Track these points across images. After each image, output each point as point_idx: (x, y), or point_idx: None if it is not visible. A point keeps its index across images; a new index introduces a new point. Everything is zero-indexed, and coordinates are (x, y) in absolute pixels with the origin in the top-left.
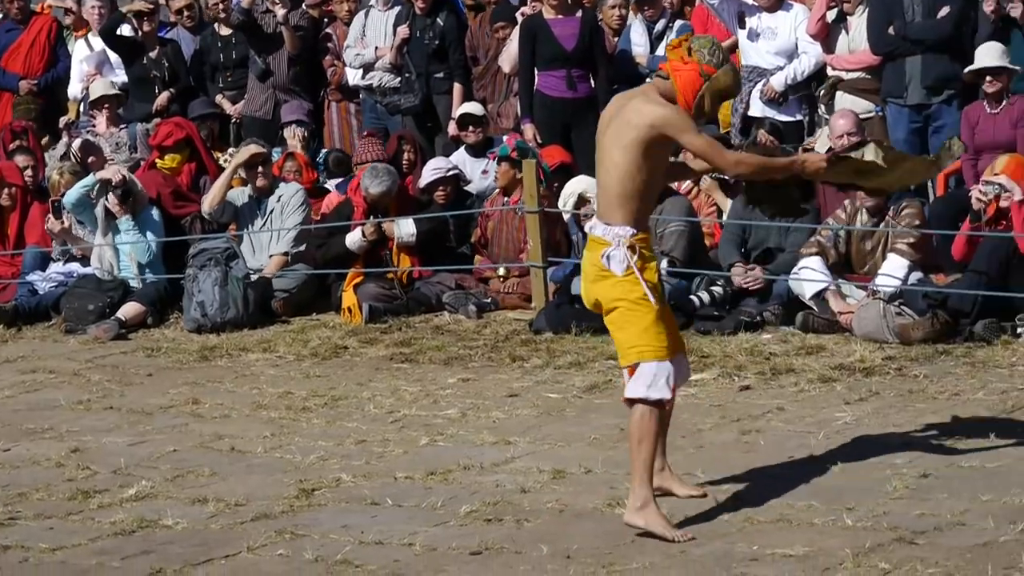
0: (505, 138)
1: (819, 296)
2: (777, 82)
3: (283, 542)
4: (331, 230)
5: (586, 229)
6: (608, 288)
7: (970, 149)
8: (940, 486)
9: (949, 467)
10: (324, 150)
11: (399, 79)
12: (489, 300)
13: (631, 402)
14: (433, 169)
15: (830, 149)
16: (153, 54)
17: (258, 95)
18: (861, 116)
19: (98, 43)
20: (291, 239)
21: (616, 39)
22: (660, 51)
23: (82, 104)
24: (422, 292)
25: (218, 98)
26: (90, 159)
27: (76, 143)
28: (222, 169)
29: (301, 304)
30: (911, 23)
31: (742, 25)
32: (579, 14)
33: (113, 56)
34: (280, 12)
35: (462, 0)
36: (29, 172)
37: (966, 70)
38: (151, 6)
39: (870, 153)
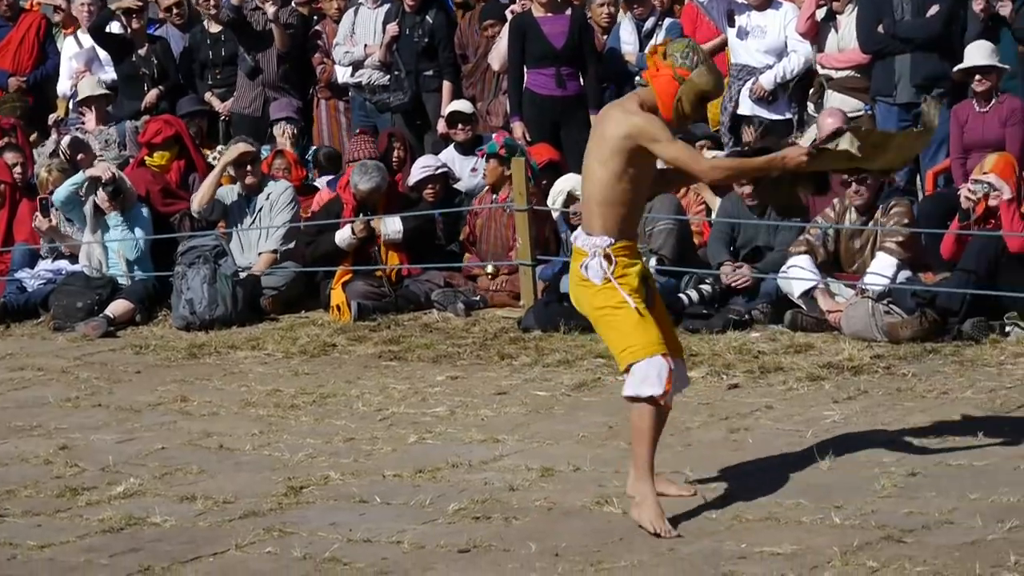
0: (494, 136)
1: (808, 295)
2: (766, 80)
3: (271, 540)
4: (320, 228)
5: (572, 239)
6: (590, 297)
7: (959, 148)
8: (928, 484)
9: (937, 465)
10: (313, 147)
11: (388, 77)
12: (478, 298)
13: (630, 401)
14: (422, 167)
15: (814, 142)
16: (142, 51)
17: (247, 92)
18: (850, 114)
19: (87, 40)
20: (280, 237)
21: (605, 37)
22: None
23: (71, 101)
24: (411, 290)
25: (207, 95)
26: (79, 156)
27: (65, 140)
28: (211, 167)
29: (290, 302)
30: (900, 22)
31: (731, 23)
32: (568, 12)
33: (102, 53)
34: (270, 9)
35: None
36: (18, 169)
37: (955, 69)
38: (140, 3)
39: (845, 142)
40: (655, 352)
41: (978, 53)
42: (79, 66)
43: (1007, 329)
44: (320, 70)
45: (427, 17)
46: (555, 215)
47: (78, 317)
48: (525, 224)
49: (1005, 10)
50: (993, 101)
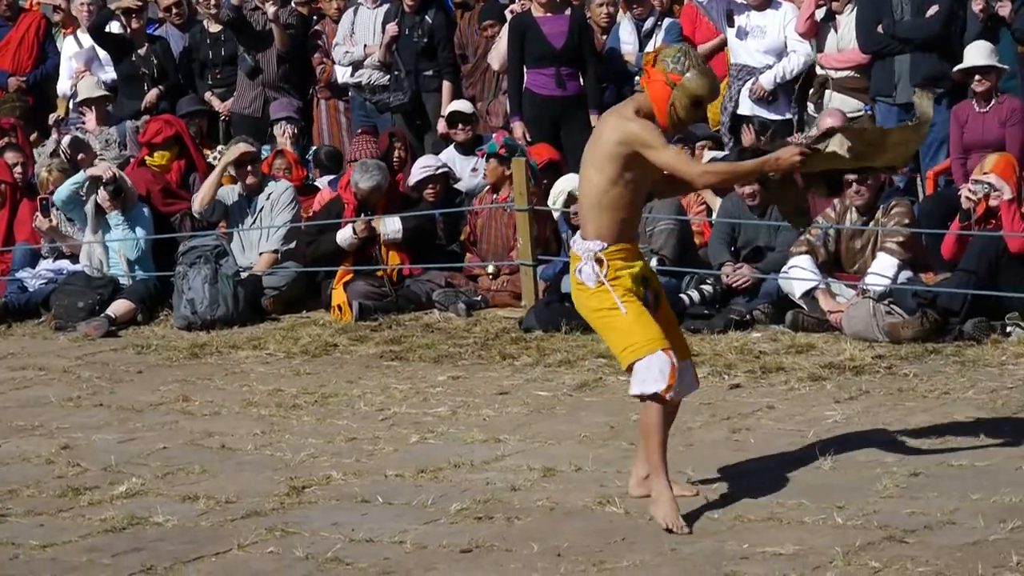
0: (494, 136)
1: (809, 295)
2: (766, 80)
3: (273, 540)
4: (321, 228)
5: (571, 243)
6: (585, 300)
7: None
8: (930, 485)
9: (939, 466)
10: (313, 147)
11: (388, 77)
12: (479, 298)
13: (638, 399)
14: (422, 167)
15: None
16: (142, 51)
17: (247, 92)
18: (850, 115)
19: (87, 40)
20: (280, 237)
21: (605, 37)
22: (649, 49)
23: (71, 101)
24: (412, 290)
25: (207, 95)
26: (80, 156)
27: (66, 140)
28: (211, 167)
29: (291, 302)
30: (900, 22)
31: (731, 23)
32: (568, 12)
33: (102, 53)
34: (270, 9)
35: None
36: (19, 169)
37: (955, 69)
38: (139, 3)
39: (834, 144)
40: (655, 348)
41: (977, 53)
42: (79, 66)
43: (1008, 329)
44: (320, 70)
45: (426, 17)
46: (556, 215)
47: (79, 317)
48: (526, 224)
49: (1004, 10)
50: (993, 101)
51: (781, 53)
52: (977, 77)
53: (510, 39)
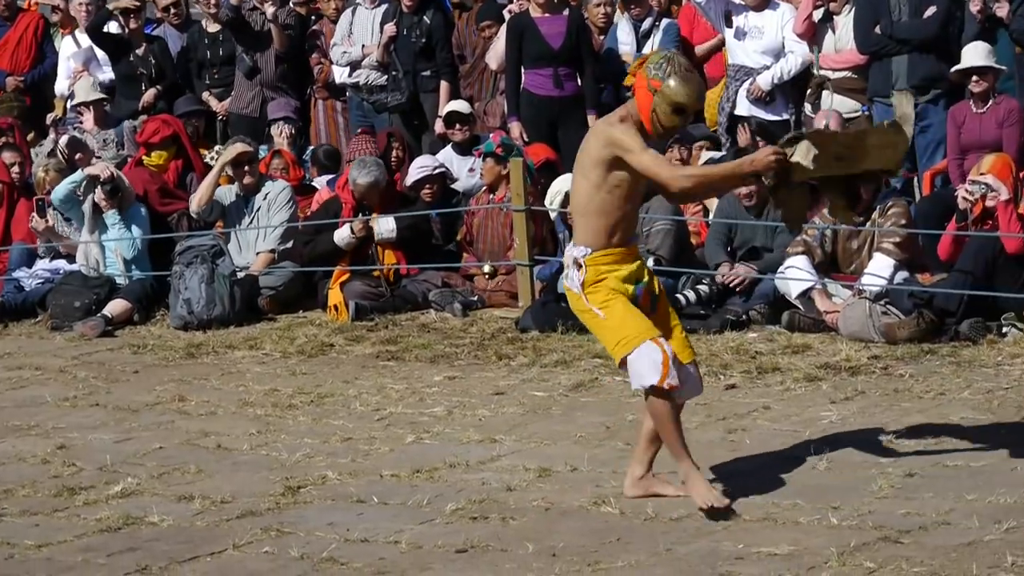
0: (491, 135)
1: (805, 295)
2: (764, 81)
3: (269, 539)
4: (318, 227)
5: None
6: (574, 302)
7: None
8: (925, 485)
9: (934, 466)
10: (311, 147)
11: (386, 77)
12: (475, 298)
13: (643, 395)
14: (419, 167)
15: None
16: (140, 51)
17: (245, 92)
18: (847, 116)
19: (85, 40)
20: (277, 236)
21: (603, 37)
22: (647, 50)
23: (69, 101)
24: (408, 290)
25: (204, 95)
26: (77, 156)
27: (63, 140)
28: (208, 167)
29: (287, 302)
30: (897, 23)
31: (729, 24)
32: (566, 12)
33: (100, 53)
34: (269, 9)
35: None
36: (16, 169)
37: (952, 70)
38: (137, 3)
39: (799, 154)
40: (644, 339)
41: (975, 54)
42: (77, 66)
43: (1004, 330)
44: (318, 70)
45: (424, 17)
46: (552, 215)
47: (76, 317)
48: (523, 224)
49: (1002, 11)
50: (990, 102)
51: (779, 54)
52: (974, 78)
53: (508, 39)
